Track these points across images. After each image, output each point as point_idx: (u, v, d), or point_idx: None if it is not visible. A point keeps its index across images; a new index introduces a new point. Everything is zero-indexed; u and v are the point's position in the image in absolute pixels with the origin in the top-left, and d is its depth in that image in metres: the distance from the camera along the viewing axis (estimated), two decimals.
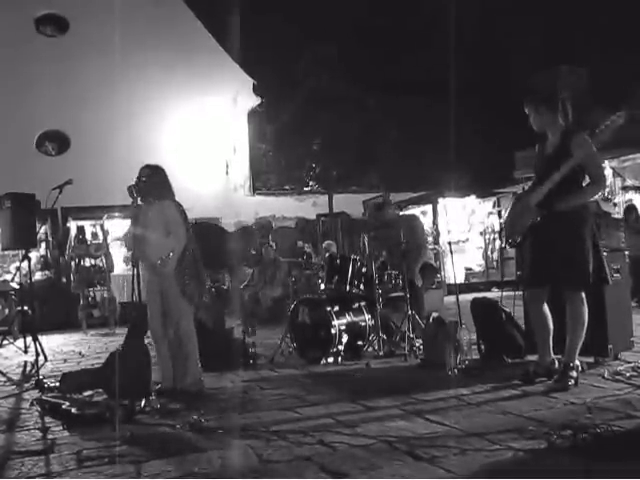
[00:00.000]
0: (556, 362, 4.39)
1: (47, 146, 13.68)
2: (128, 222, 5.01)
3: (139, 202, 4.69)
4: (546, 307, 4.43)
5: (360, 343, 6.17)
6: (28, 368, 6.55)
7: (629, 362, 4.72)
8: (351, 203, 16.08)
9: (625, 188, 12.42)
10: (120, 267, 12.32)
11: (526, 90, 4.47)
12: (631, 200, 12.25)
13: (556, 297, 4.39)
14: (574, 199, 4.20)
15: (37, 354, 6.10)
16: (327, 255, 8.59)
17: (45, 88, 12.89)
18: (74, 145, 13.58)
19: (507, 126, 15.62)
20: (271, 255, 11.32)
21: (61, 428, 3.87)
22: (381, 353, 5.94)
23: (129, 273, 4.94)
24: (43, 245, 12.55)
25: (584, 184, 4.28)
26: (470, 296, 6.20)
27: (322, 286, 6.58)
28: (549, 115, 4.33)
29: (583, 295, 4.24)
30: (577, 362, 4.26)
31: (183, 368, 4.71)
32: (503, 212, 12.72)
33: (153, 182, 4.71)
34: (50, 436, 3.71)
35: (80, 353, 7.72)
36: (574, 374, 4.17)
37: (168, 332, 4.73)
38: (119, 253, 12.35)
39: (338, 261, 6.40)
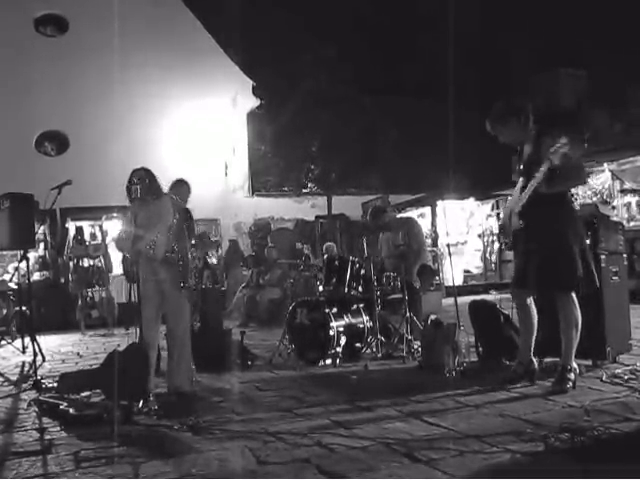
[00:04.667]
0: (535, 363, 4.46)
1: (46, 146, 13.66)
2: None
3: (138, 201, 4.71)
4: (531, 306, 4.48)
5: (358, 345, 6.17)
6: (26, 368, 6.55)
7: (627, 365, 4.73)
8: (350, 205, 16.09)
9: (624, 191, 12.42)
10: (118, 268, 12.31)
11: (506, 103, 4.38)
12: (630, 203, 12.26)
13: (550, 299, 4.41)
14: (559, 185, 4.18)
15: (35, 354, 6.09)
16: (325, 257, 8.59)
17: (44, 88, 12.89)
18: (73, 145, 13.58)
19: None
20: (273, 256, 11.34)
21: (59, 429, 3.87)
22: (379, 355, 5.95)
23: None
24: (42, 245, 12.54)
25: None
26: (468, 298, 6.21)
27: (320, 288, 6.59)
28: (516, 125, 4.34)
29: (574, 297, 4.25)
30: (574, 364, 4.27)
31: (177, 368, 4.73)
32: (501, 214, 12.73)
33: (154, 183, 4.79)
34: (48, 436, 3.71)
35: (78, 354, 7.71)
36: (572, 376, 4.17)
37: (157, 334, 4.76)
38: (117, 254, 12.34)
39: (337, 263, 6.40)
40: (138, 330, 4.49)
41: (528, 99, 4.45)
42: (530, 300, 4.49)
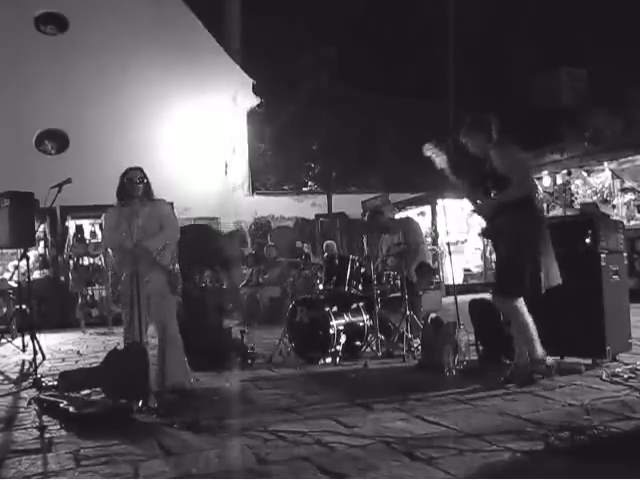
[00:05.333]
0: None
1: (46, 145, 13.65)
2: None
3: (138, 200, 4.73)
4: (524, 308, 4.51)
5: (358, 343, 6.18)
6: (26, 367, 6.55)
7: (627, 364, 4.73)
8: (350, 203, 16.07)
9: (624, 190, 12.42)
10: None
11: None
12: (630, 201, 12.24)
13: (537, 300, 4.48)
14: (494, 201, 4.50)
15: (35, 353, 6.10)
16: (325, 255, 8.59)
17: (45, 87, 12.89)
18: (73, 144, 13.56)
19: (506, 128, 15.64)
20: (273, 254, 11.34)
21: (59, 427, 3.87)
22: (379, 354, 5.95)
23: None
24: (42, 244, 12.53)
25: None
26: (468, 297, 6.20)
27: (320, 286, 6.59)
28: (479, 138, 4.63)
29: (516, 302, 4.37)
30: (544, 357, 4.38)
31: (173, 365, 4.73)
32: None
33: (149, 184, 4.85)
34: (47, 435, 3.71)
35: (78, 352, 7.71)
36: (543, 368, 4.30)
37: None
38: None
39: (337, 261, 6.41)
40: (136, 329, 4.47)
41: (492, 114, 4.75)
42: (521, 301, 4.51)
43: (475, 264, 16.25)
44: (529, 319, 4.38)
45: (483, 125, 4.64)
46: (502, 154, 4.44)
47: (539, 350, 4.38)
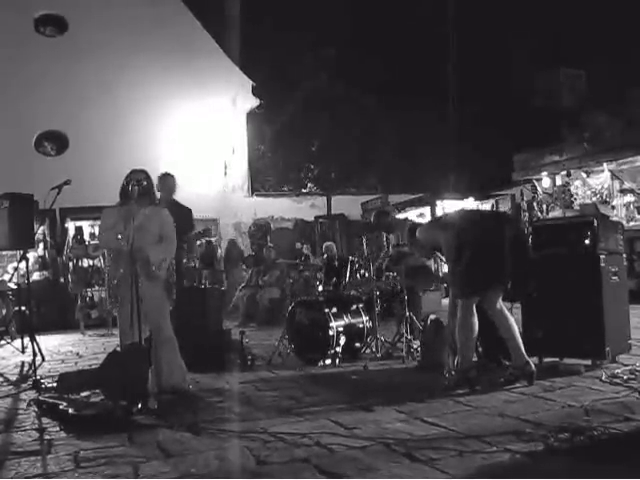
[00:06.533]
0: (531, 364, 4.47)
1: (46, 146, 13.65)
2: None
3: (136, 203, 4.70)
4: (502, 310, 4.57)
5: (358, 345, 6.17)
6: (25, 368, 6.55)
7: (626, 365, 4.73)
8: (349, 205, 16.09)
9: (623, 191, 12.41)
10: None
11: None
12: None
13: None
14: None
15: (34, 354, 6.08)
16: (325, 257, 8.59)
17: (44, 88, 12.88)
18: (73, 145, 13.55)
19: (506, 128, 15.65)
20: (272, 256, 11.34)
21: (58, 429, 3.87)
22: (379, 355, 5.95)
23: None
24: (41, 245, 12.51)
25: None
26: None
27: (320, 287, 6.58)
28: (414, 244, 5.15)
29: (460, 303, 4.55)
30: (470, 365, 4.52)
31: (169, 367, 4.71)
32: None
33: (152, 188, 4.85)
34: (47, 437, 3.71)
35: (77, 354, 7.71)
36: (470, 374, 4.43)
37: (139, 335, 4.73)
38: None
39: (336, 263, 6.41)
40: (135, 330, 4.45)
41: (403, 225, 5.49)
42: (500, 305, 4.52)
43: None
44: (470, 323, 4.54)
45: (413, 231, 5.08)
46: (421, 232, 4.98)
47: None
